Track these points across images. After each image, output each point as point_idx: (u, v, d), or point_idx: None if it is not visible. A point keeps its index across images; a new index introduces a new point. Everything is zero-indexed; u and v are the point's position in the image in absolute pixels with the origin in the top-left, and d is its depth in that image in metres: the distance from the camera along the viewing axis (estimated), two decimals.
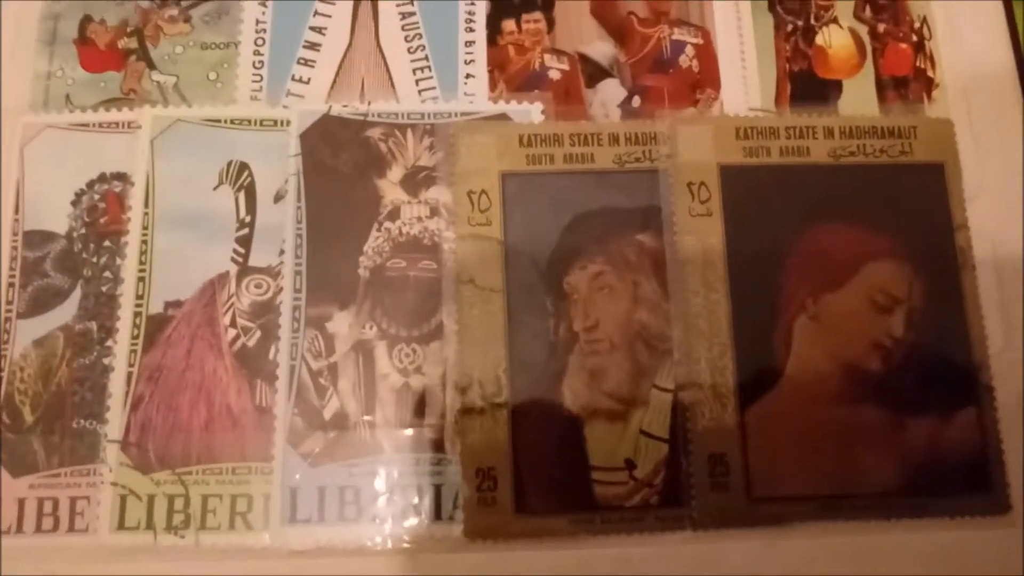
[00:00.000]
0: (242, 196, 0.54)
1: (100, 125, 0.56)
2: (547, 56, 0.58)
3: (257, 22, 0.58)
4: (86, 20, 0.59)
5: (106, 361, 0.52)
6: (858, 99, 0.59)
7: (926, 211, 0.56)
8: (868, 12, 0.60)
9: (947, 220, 0.56)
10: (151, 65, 0.57)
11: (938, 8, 0.61)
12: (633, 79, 0.58)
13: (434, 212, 0.54)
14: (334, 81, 0.57)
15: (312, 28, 0.58)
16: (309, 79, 0.57)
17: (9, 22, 0.58)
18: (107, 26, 0.58)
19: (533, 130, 0.56)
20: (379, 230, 0.54)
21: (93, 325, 0.52)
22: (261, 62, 0.57)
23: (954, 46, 0.60)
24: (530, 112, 0.56)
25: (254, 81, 0.57)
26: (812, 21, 0.60)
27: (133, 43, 0.58)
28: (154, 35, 0.58)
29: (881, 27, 0.60)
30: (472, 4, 0.59)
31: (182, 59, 0.57)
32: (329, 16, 0.58)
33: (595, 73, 0.58)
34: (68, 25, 0.58)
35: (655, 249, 0.54)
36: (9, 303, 0.53)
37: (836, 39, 0.60)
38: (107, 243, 0.54)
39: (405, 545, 0.49)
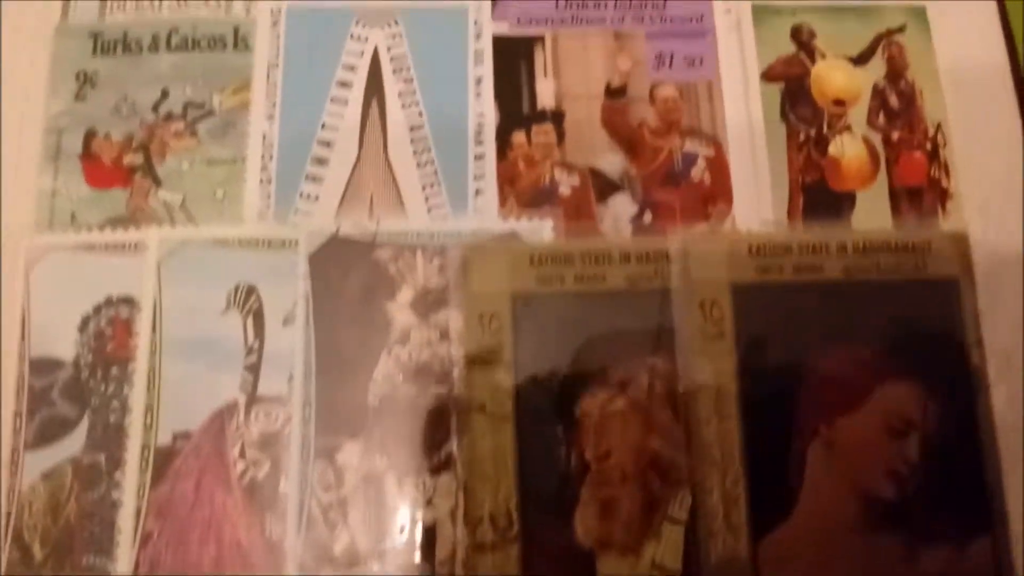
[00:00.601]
0: (250, 321, 0.55)
1: (106, 246, 0.56)
2: (557, 170, 0.58)
3: (264, 136, 0.58)
4: (90, 135, 0.59)
5: (115, 495, 0.52)
6: (871, 212, 0.59)
7: (940, 329, 0.56)
8: (882, 119, 0.61)
9: (961, 338, 0.56)
10: (157, 182, 0.58)
11: (953, 111, 0.61)
12: (644, 193, 0.58)
13: (444, 336, 0.55)
14: (343, 197, 0.57)
15: (320, 142, 0.58)
16: (317, 196, 0.57)
17: (11, 135, 0.58)
18: (112, 141, 0.58)
19: (544, 250, 0.56)
20: (389, 355, 0.54)
21: (101, 457, 0.53)
22: (268, 178, 0.58)
23: (968, 154, 0.60)
24: (541, 229, 0.57)
25: (261, 199, 0.57)
26: (825, 130, 0.60)
27: (139, 159, 0.58)
28: (160, 150, 0.58)
29: (895, 135, 0.60)
30: (481, 115, 0.58)
31: (188, 175, 0.58)
32: (337, 129, 0.59)
33: (606, 187, 0.58)
34: (72, 140, 0.59)
35: (668, 372, 0.54)
36: (16, 434, 0.52)
37: (849, 149, 0.60)
38: (114, 370, 0.54)
39: None
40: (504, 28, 0.61)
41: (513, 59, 0.61)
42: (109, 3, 0.62)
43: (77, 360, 0.55)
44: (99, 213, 0.58)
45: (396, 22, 0.61)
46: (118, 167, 0.58)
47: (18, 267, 0.56)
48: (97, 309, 0.56)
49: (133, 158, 0.59)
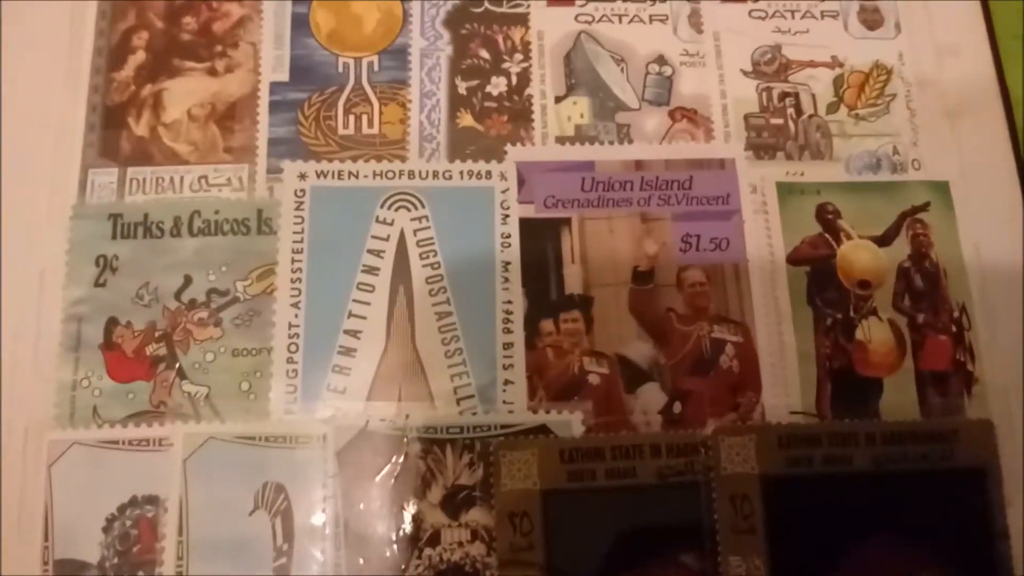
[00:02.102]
0: (279, 522, 0.57)
1: (130, 442, 0.58)
2: (586, 359, 0.60)
3: (290, 325, 0.60)
4: (112, 323, 0.60)
5: None
6: (899, 398, 0.62)
7: (967, 519, 0.59)
8: (907, 301, 0.64)
9: (988, 528, 0.59)
10: (181, 375, 0.59)
11: (976, 291, 0.64)
12: (673, 382, 0.61)
13: (475, 536, 0.57)
14: (371, 389, 0.59)
15: (347, 332, 0.60)
16: (345, 388, 0.60)
17: (28, 323, 0.59)
18: (134, 330, 0.60)
19: (574, 444, 0.59)
20: (419, 557, 0.56)
21: None
22: (295, 370, 0.59)
23: (993, 337, 0.63)
24: (570, 423, 0.59)
25: (288, 392, 0.59)
26: (851, 313, 0.63)
27: (162, 349, 0.60)
28: (184, 340, 0.60)
29: (920, 317, 0.63)
30: (509, 302, 0.61)
31: (213, 368, 0.59)
32: (364, 317, 0.61)
33: (635, 376, 0.61)
34: (93, 329, 0.60)
35: (701, 570, 0.56)
36: None
37: (876, 333, 0.63)
38: (140, 574, 0.55)
39: None
40: (531, 211, 0.63)
41: (540, 243, 0.63)
42: (128, 182, 0.63)
43: (102, 563, 0.57)
44: (122, 408, 0.59)
45: (422, 203, 0.63)
46: (141, 358, 0.60)
47: (40, 463, 0.57)
48: (122, 509, 0.57)
49: (156, 348, 0.60)
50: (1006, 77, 0.69)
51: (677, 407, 0.61)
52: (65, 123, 0.66)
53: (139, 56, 0.67)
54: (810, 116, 0.68)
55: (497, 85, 0.67)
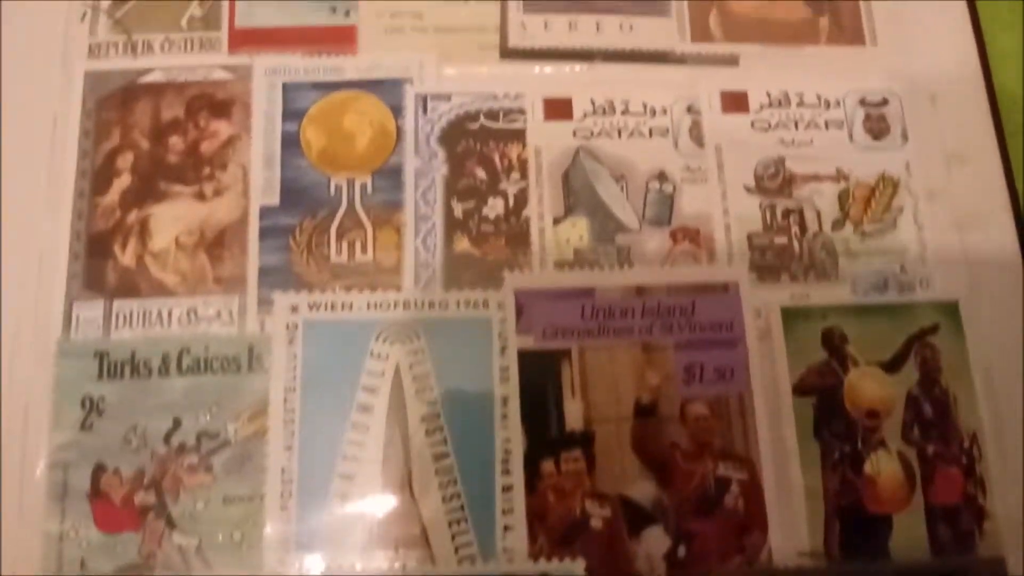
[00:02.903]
0: None
1: None
2: (588, 501, 0.60)
3: (283, 471, 0.59)
4: (99, 470, 0.60)
5: None
6: (909, 536, 0.61)
7: None
8: (916, 432, 0.63)
9: None
10: (171, 524, 0.59)
11: (988, 419, 0.63)
12: (678, 524, 0.60)
13: None
14: (367, 539, 0.58)
15: (341, 476, 0.60)
16: (340, 538, 0.58)
17: (12, 470, 0.59)
18: (122, 477, 0.59)
19: None
20: None
21: None
22: (288, 518, 0.58)
23: (1004, 468, 0.62)
24: (572, 570, 0.58)
25: (281, 542, 0.58)
26: (860, 445, 0.62)
27: (151, 497, 0.59)
28: (173, 487, 0.59)
29: (930, 448, 0.63)
30: (508, 440, 0.60)
31: (204, 517, 0.59)
32: (358, 460, 0.60)
33: (638, 519, 0.60)
34: (79, 476, 0.60)
35: None
36: None
37: (885, 466, 0.62)
38: None
39: None
40: (530, 342, 0.62)
41: (540, 376, 0.62)
42: (115, 317, 0.62)
43: None
44: (110, 560, 0.59)
45: (418, 336, 0.62)
46: (129, 507, 0.59)
47: None
48: None
49: (145, 496, 0.60)
50: (1017, 185, 0.68)
51: (682, 551, 0.60)
52: (48, 252, 0.64)
53: (124, 179, 0.66)
54: (815, 234, 0.67)
55: (494, 207, 0.66)
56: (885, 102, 0.71)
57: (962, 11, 0.73)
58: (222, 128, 0.67)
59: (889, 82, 0.71)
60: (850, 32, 0.72)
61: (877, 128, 0.70)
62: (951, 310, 0.66)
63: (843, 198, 0.69)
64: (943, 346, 0.66)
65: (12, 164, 0.66)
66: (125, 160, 0.66)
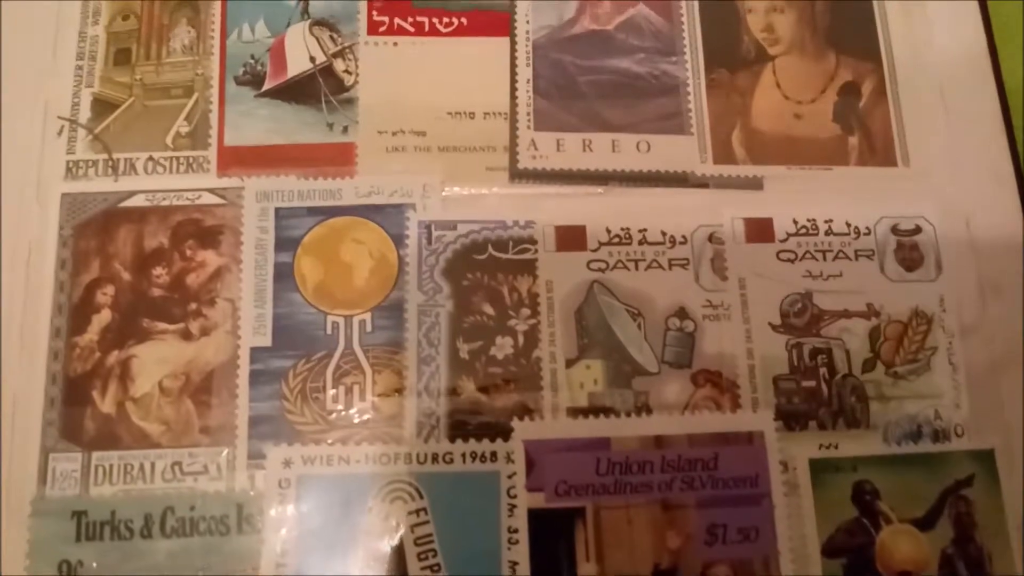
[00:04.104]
0: None
1: None
2: None
3: None
4: None
5: None
6: None
7: None
8: None
9: None
10: None
11: None
12: None
13: None
14: None
15: None
16: None
17: None
18: None
19: None
20: None
21: None
22: None
23: None
24: None
25: None
26: None
27: None
28: None
29: None
30: None
31: None
32: None
33: None
34: None
35: None
36: None
37: None
38: None
39: None
40: (540, 499, 0.59)
41: (551, 539, 0.60)
42: (94, 470, 0.58)
43: None
44: None
45: (420, 494, 0.58)
46: None
47: None
48: None
49: None
50: None
51: None
52: (21, 397, 0.60)
53: (104, 316, 0.62)
54: (844, 376, 0.64)
55: (503, 347, 0.62)
56: (918, 230, 0.68)
57: (998, 127, 0.69)
58: (210, 258, 0.64)
59: (922, 207, 0.68)
60: (881, 152, 0.69)
61: (910, 258, 0.67)
62: (986, 459, 0.64)
63: (874, 336, 0.65)
64: (978, 499, 0.63)
65: None
66: (105, 294, 0.63)
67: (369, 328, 0.63)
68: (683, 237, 0.67)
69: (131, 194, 0.65)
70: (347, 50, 0.69)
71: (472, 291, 0.65)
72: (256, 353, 0.62)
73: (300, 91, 0.68)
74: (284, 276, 0.64)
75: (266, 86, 0.68)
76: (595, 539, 0.60)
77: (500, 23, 0.70)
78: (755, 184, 0.68)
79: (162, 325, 0.63)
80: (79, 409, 0.61)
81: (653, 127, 0.69)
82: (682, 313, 0.65)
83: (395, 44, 0.69)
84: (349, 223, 0.65)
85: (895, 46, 0.72)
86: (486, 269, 0.65)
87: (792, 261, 0.67)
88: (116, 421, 0.61)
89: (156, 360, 0.62)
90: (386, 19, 0.70)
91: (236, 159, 0.66)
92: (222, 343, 0.62)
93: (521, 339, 0.64)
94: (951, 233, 0.68)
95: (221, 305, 0.63)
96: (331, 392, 0.62)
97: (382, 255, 0.64)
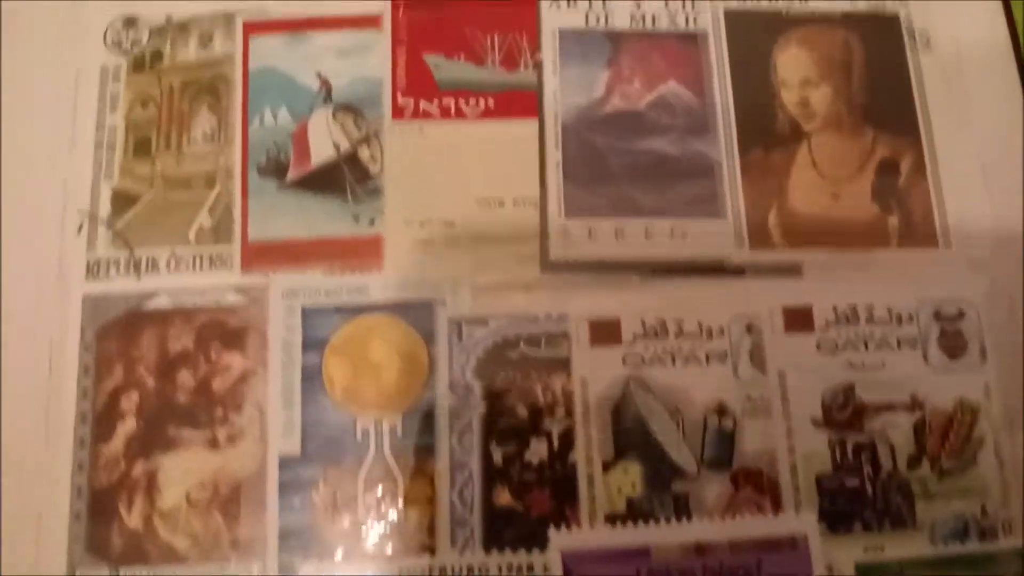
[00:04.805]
0: None
1: None
2: None
3: None
4: None
5: None
6: None
7: None
8: None
9: None
10: None
11: None
12: None
13: None
14: None
15: None
16: None
17: None
18: None
19: None
20: None
21: None
22: None
23: None
24: None
25: None
26: None
27: None
28: None
29: None
30: None
31: None
32: None
33: None
34: None
35: None
36: None
37: None
38: None
39: None
40: None
41: None
42: None
43: None
44: None
45: None
46: None
47: None
48: None
49: None
50: None
51: None
52: (47, 511, 0.59)
53: (129, 424, 0.61)
54: (889, 474, 0.63)
55: (537, 451, 0.62)
56: (961, 315, 0.66)
57: None
58: (236, 361, 0.62)
59: (964, 290, 0.67)
60: (921, 233, 0.68)
61: (954, 346, 0.66)
62: None
63: (919, 430, 0.64)
64: None
65: (9, 422, 0.61)
66: (130, 401, 0.62)
67: (400, 433, 0.62)
68: (720, 328, 0.65)
69: (154, 294, 0.64)
70: (372, 136, 0.66)
71: (505, 391, 0.63)
72: (285, 462, 0.61)
73: (324, 181, 0.66)
74: (312, 378, 0.63)
75: (289, 176, 0.66)
76: None
77: (528, 103, 0.68)
78: (793, 270, 0.67)
79: (188, 433, 0.62)
80: (106, 523, 0.61)
81: (687, 211, 0.67)
82: (721, 409, 0.64)
83: (420, 129, 0.67)
84: (377, 321, 0.64)
85: (934, 120, 0.70)
86: (519, 367, 0.64)
87: (833, 352, 0.65)
88: (143, 536, 0.60)
89: (183, 471, 0.61)
90: (411, 102, 0.67)
91: (260, 255, 0.65)
92: (250, 452, 0.62)
93: (556, 442, 0.63)
94: (995, 318, 0.67)
95: (248, 410, 0.62)
96: (362, 501, 0.61)
97: (412, 354, 0.63)
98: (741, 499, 0.63)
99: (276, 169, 0.67)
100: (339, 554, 0.60)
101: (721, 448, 0.63)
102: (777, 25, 0.72)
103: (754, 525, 0.62)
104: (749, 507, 0.63)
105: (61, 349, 0.63)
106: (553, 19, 0.71)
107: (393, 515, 0.61)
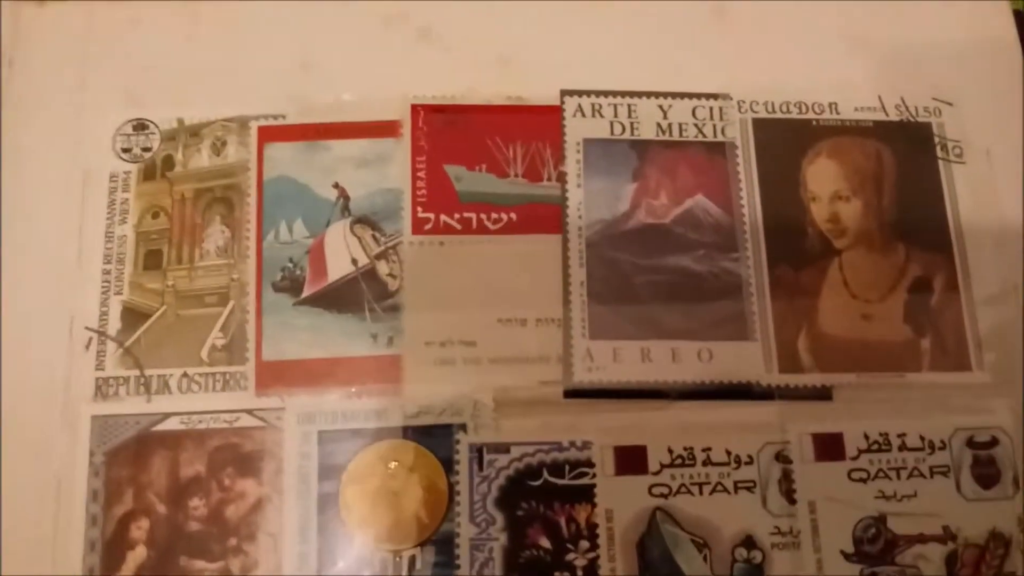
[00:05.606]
0: None
1: None
2: None
3: None
4: None
5: None
6: None
7: None
8: None
9: None
10: None
11: None
12: None
13: None
14: None
15: None
16: None
17: None
18: None
19: None
20: None
21: None
22: None
23: None
24: None
25: None
26: None
27: None
28: None
29: None
30: None
31: None
32: None
33: None
34: None
35: None
36: None
37: None
38: None
39: None
40: None
41: None
42: None
43: None
44: None
45: None
46: None
47: None
48: None
49: None
50: None
51: None
52: None
53: (139, 553, 0.60)
54: None
55: None
56: (995, 442, 0.65)
57: None
58: (249, 488, 0.61)
59: (998, 416, 0.66)
60: (954, 355, 0.66)
61: (986, 475, 0.65)
62: None
63: (951, 563, 0.64)
64: None
65: (14, 548, 0.59)
66: (140, 528, 0.60)
67: (419, 565, 0.61)
68: (748, 457, 0.64)
69: (165, 416, 0.63)
70: (391, 250, 0.65)
71: (527, 522, 0.62)
72: None
73: (342, 298, 0.65)
74: (328, 508, 0.62)
75: (305, 292, 0.65)
76: None
77: (551, 218, 0.67)
78: (824, 395, 0.66)
79: (200, 564, 0.61)
80: None
81: (715, 333, 0.66)
82: (749, 542, 0.63)
83: (441, 243, 0.66)
84: (396, 447, 0.63)
85: (967, 236, 0.69)
86: (541, 497, 0.63)
87: (864, 481, 0.65)
88: None
89: None
90: (432, 216, 0.66)
91: (275, 375, 0.63)
92: None
93: (580, 575, 0.61)
94: None
95: (262, 540, 0.61)
96: None
97: (431, 482, 0.62)
98: None
99: (292, 285, 0.66)
100: None
101: None
102: (807, 135, 0.71)
103: None
104: None
105: (69, 475, 0.62)
106: (578, 129, 0.69)
107: None
